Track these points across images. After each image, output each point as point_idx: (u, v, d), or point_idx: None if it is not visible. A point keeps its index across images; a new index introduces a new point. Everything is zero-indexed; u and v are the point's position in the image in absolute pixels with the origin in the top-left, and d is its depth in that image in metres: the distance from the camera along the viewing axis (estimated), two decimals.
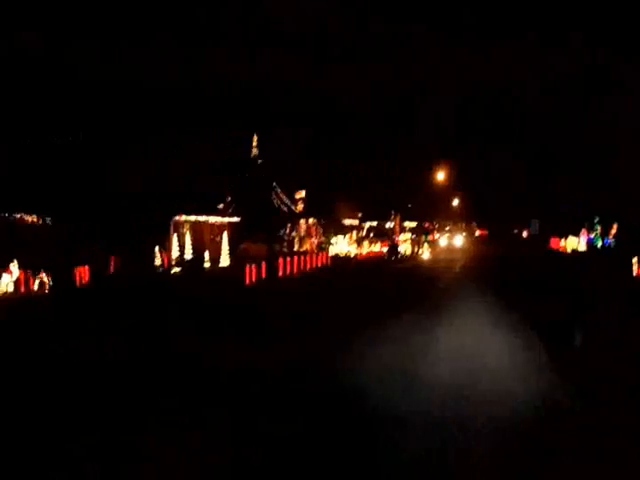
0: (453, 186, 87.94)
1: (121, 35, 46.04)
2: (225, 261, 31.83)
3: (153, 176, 29.73)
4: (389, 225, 68.95)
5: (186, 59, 54.09)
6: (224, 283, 23.44)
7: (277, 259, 28.99)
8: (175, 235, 28.94)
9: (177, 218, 33.29)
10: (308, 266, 31.89)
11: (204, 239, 36.05)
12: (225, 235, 32.43)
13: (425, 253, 47.36)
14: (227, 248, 32.26)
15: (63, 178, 25.38)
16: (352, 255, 43.36)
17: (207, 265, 29.23)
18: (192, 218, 34.65)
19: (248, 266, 24.73)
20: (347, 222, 68.37)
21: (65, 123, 32.80)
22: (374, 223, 78.67)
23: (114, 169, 31.02)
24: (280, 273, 27.93)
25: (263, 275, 26.07)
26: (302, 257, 31.92)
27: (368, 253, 45.52)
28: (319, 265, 33.91)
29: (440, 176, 77.82)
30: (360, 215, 74.54)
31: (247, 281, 24.51)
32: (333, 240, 46.23)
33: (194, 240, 35.27)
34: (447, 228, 77.15)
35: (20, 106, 27.12)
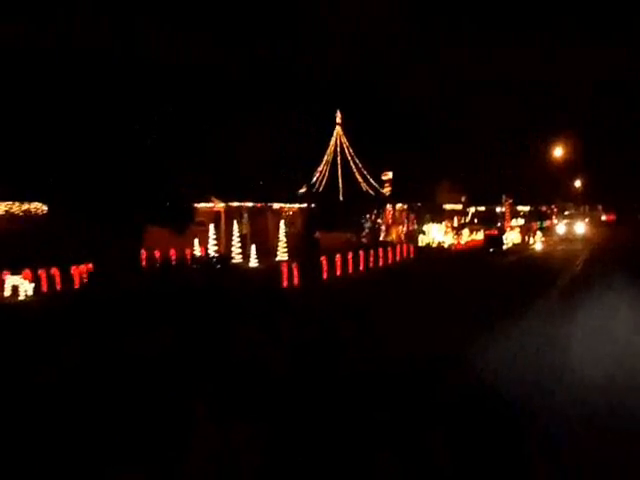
0: (575, 164, 76.65)
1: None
2: (282, 255, 26.01)
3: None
4: (500, 210, 60.17)
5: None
6: (251, 287, 17.41)
7: (345, 253, 22.68)
8: (212, 225, 23.39)
9: (228, 204, 27.93)
10: (382, 261, 25.21)
11: (268, 229, 30.40)
12: (282, 224, 26.53)
13: (537, 243, 38.87)
14: (284, 240, 26.36)
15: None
16: (446, 245, 35.93)
17: (254, 261, 23.40)
18: (249, 204, 29.16)
19: (286, 264, 18.63)
20: (448, 207, 60.31)
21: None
22: (482, 208, 69.75)
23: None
24: (339, 272, 21.59)
25: (326, 274, 19.96)
26: (374, 250, 25.25)
27: (467, 243, 37.75)
28: (398, 260, 27.08)
29: (557, 152, 67.27)
30: (464, 199, 66.01)
31: (285, 284, 18.46)
32: (425, 228, 38.95)
33: (253, 230, 29.82)
34: (566, 212, 66.51)
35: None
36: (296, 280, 18.81)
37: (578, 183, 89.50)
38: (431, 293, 16.78)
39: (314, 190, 41.50)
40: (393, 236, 37.00)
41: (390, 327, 12.18)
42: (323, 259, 20.72)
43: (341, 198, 41.80)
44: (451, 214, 57.92)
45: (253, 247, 23.59)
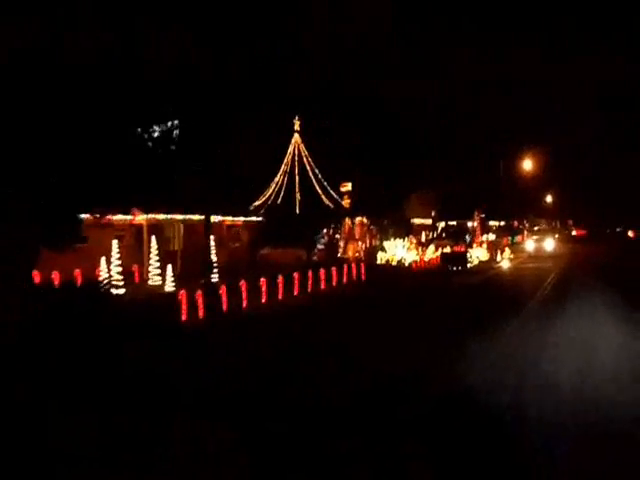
0: (545, 179, 73.82)
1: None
2: (213, 276, 21.96)
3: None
4: (471, 224, 56.76)
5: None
6: (131, 322, 13.30)
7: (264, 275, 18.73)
8: (115, 242, 19.24)
9: (151, 216, 23.89)
10: (323, 284, 21.25)
11: (205, 245, 26.09)
12: (212, 240, 22.48)
13: (505, 261, 35.26)
14: (215, 258, 22.33)
15: None
16: (407, 263, 32.11)
17: (170, 284, 19.25)
18: (179, 217, 25.09)
19: (185, 291, 14.56)
20: (417, 221, 56.80)
21: None
22: (454, 222, 66.42)
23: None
24: (264, 299, 17.60)
25: (248, 301, 15.99)
26: (314, 270, 21.27)
27: (431, 260, 33.95)
28: (344, 281, 23.15)
29: (529, 168, 64.16)
30: (434, 213, 62.58)
31: (185, 316, 14.41)
32: (387, 244, 35.09)
33: (187, 246, 25.75)
34: (535, 228, 63.35)
35: None
36: (201, 311, 14.78)
37: (549, 198, 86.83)
38: (354, 331, 12.87)
39: (269, 202, 37.56)
40: (350, 253, 33.13)
41: (275, 390, 8.26)
42: (243, 284, 16.72)
43: (298, 211, 37.86)
44: (420, 229, 54.28)
45: (169, 267, 19.47)
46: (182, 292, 14.46)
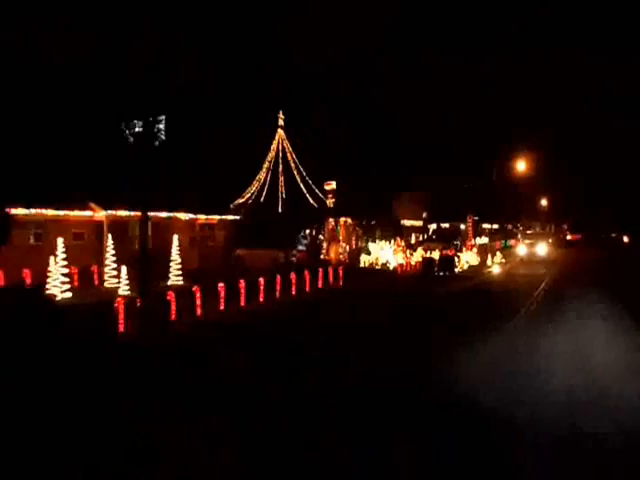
0: (540, 183, 72.23)
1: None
2: (176, 279, 20.25)
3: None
4: (464, 227, 55.12)
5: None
6: (64, 333, 11.53)
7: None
8: (61, 240, 17.38)
9: (111, 212, 22.09)
10: (294, 290, 19.45)
11: (180, 244, 24.37)
12: (175, 239, 20.70)
13: (495, 266, 33.52)
14: (178, 260, 20.57)
15: None
16: (391, 267, 30.35)
17: (125, 288, 17.50)
18: (154, 214, 23.14)
19: (122, 300, 12.78)
20: (407, 223, 55.20)
21: None
22: (446, 225, 64.81)
23: None
24: (222, 307, 15.83)
25: (205, 308, 14.23)
26: (282, 274, 19.47)
27: (417, 263, 32.14)
28: (320, 287, 21.36)
29: (524, 170, 62.43)
30: (425, 214, 61.01)
31: (122, 329, 12.65)
32: (372, 246, 33.30)
33: (156, 246, 23.89)
34: (528, 232, 61.59)
35: None
36: (140, 322, 13.00)
37: (544, 202, 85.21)
38: (313, 352, 11.12)
39: (251, 200, 35.85)
40: (332, 255, 31.34)
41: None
42: (196, 289, 14.96)
43: (280, 210, 36.14)
44: (410, 230, 52.56)
45: (124, 269, 17.71)
46: (119, 299, 12.68)
